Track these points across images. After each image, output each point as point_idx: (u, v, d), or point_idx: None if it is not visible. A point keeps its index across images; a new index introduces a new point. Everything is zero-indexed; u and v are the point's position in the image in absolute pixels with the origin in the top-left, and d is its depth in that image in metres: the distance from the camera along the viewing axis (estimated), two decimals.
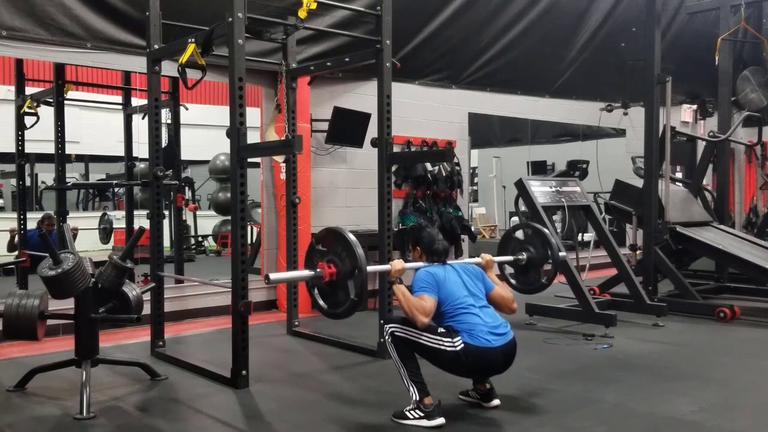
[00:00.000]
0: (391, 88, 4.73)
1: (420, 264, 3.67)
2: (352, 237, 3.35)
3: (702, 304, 6.31)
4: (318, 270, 3.42)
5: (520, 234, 4.82)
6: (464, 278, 3.60)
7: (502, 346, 3.45)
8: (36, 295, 3.72)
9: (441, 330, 3.42)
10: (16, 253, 6.79)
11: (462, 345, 3.36)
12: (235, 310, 3.98)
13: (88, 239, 9.27)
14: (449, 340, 3.38)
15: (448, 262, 3.67)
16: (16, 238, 6.86)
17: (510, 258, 4.50)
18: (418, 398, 3.34)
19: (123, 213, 8.36)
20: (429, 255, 3.68)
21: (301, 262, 5.99)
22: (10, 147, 6.93)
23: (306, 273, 3.49)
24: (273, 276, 3.46)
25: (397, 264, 3.57)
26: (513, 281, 4.68)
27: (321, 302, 3.52)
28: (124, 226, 8.17)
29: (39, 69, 7.70)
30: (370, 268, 3.35)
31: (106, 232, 9.04)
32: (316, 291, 3.54)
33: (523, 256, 4.47)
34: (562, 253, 4.52)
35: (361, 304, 3.40)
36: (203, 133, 10.79)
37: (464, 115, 8.23)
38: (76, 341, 3.90)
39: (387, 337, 3.45)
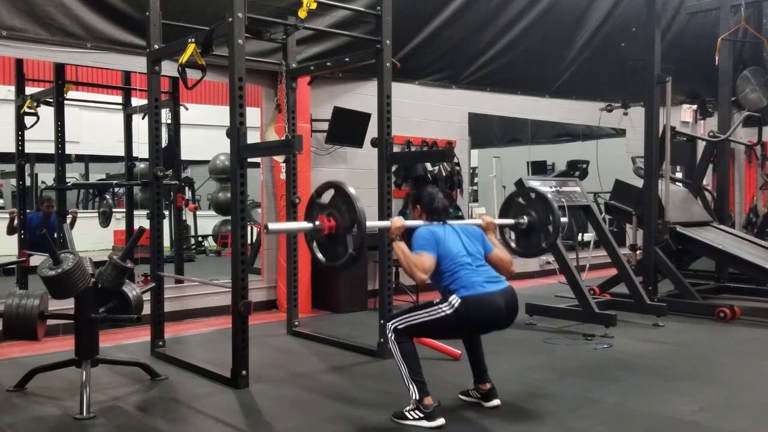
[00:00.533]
0: (391, 88, 4.73)
1: (420, 222, 3.65)
2: (352, 191, 3.32)
3: (702, 304, 6.31)
4: (317, 223, 3.40)
5: (522, 198, 4.71)
6: (463, 238, 3.59)
7: (500, 291, 3.45)
8: (36, 295, 3.72)
9: (435, 300, 3.44)
10: (17, 253, 6.78)
11: (459, 300, 3.37)
12: (235, 310, 3.98)
13: (88, 239, 9.27)
14: (446, 303, 3.39)
15: (448, 222, 3.65)
16: (16, 221, 6.85)
17: (511, 221, 4.42)
18: (418, 398, 3.34)
19: (123, 213, 8.35)
20: (429, 213, 3.66)
21: (301, 262, 6.03)
22: (10, 147, 6.92)
23: (305, 225, 3.45)
24: (272, 226, 3.43)
25: (397, 221, 3.56)
26: (513, 245, 4.63)
27: (319, 255, 3.49)
28: (124, 226, 8.17)
29: (39, 69, 7.69)
30: (369, 224, 3.32)
31: (105, 215, 9.01)
32: (314, 244, 3.51)
33: (524, 219, 4.41)
34: (563, 219, 4.46)
35: (360, 258, 3.34)
36: (203, 133, 10.77)
37: (464, 115, 8.24)
38: (76, 341, 3.90)
39: (390, 335, 3.44)
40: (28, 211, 6.94)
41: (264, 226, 3.37)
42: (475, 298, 3.38)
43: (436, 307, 3.42)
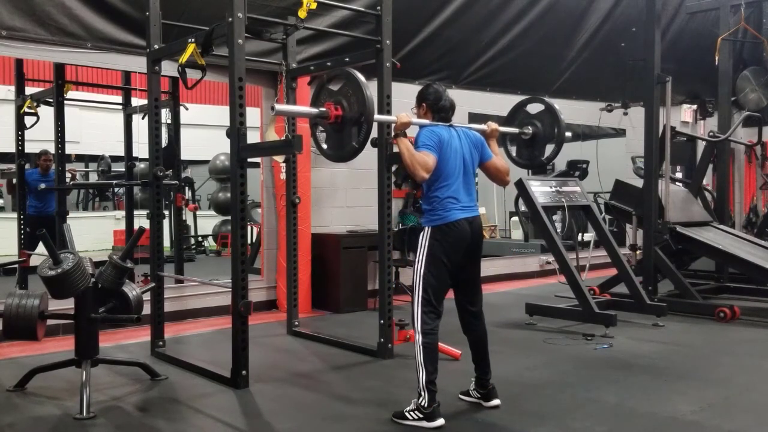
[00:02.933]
0: (391, 88, 4.72)
1: (425, 121, 3.60)
2: (362, 79, 3.27)
3: (702, 304, 6.31)
4: (323, 109, 3.36)
5: (530, 108, 4.63)
6: (464, 146, 3.56)
7: (467, 217, 3.48)
8: (36, 295, 3.72)
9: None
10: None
11: (429, 230, 3.44)
12: (235, 310, 3.98)
13: (88, 239, 9.28)
14: (422, 239, 3.44)
15: (454, 125, 3.61)
16: (14, 180, 6.85)
17: (515, 130, 4.36)
18: (426, 404, 3.32)
19: (123, 213, 8.36)
20: (435, 112, 3.60)
21: (301, 262, 6.03)
22: (10, 147, 6.93)
23: (312, 109, 3.42)
24: (279, 107, 3.40)
25: (403, 117, 3.53)
26: (514, 154, 4.58)
27: (323, 144, 3.46)
28: (124, 226, 8.17)
29: (39, 69, 7.70)
30: (375, 117, 3.28)
31: (105, 174, 9.00)
32: (318, 130, 3.48)
33: (529, 130, 4.36)
34: (568, 134, 4.42)
35: (361, 150, 3.32)
36: (203, 133, 10.79)
37: (464, 115, 8.22)
38: (76, 341, 3.90)
39: (417, 337, 3.39)
40: (26, 166, 6.93)
41: (271, 107, 3.32)
42: (442, 225, 3.43)
43: (418, 253, 3.45)
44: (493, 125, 3.85)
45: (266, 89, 6.59)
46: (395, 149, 3.55)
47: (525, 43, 8.24)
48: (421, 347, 3.37)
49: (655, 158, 6.57)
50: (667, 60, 7.36)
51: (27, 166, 7.02)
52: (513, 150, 4.59)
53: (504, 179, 3.74)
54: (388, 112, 4.72)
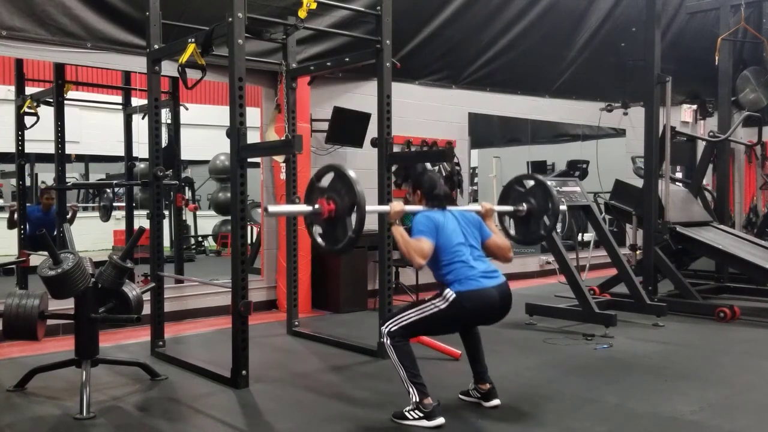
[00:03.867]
0: (391, 88, 4.72)
1: (419, 208, 3.64)
2: (352, 174, 3.32)
3: (702, 304, 6.31)
4: (317, 206, 3.40)
5: (521, 186, 4.67)
6: (462, 226, 3.58)
7: (496, 286, 3.46)
8: (36, 295, 3.72)
9: (429, 297, 3.45)
10: (17, 256, 6.78)
11: (454, 295, 3.38)
12: (235, 310, 3.98)
13: (88, 239, 9.27)
14: (440, 298, 3.40)
15: (448, 208, 3.64)
16: (16, 215, 6.86)
17: (510, 208, 4.40)
18: (417, 399, 3.34)
19: (123, 213, 8.36)
20: (429, 199, 3.64)
21: (301, 262, 6.03)
22: (10, 147, 6.93)
23: (305, 208, 3.45)
24: (272, 208, 3.43)
25: (397, 206, 3.55)
26: (512, 231, 4.62)
27: (319, 239, 3.49)
28: (124, 226, 8.17)
29: (39, 69, 7.69)
30: (369, 208, 3.32)
31: (106, 209, 8.99)
32: (314, 228, 3.51)
33: (524, 207, 4.39)
34: (562, 207, 4.45)
35: (358, 241, 3.34)
36: (203, 133, 10.77)
37: (464, 115, 8.24)
38: (76, 341, 3.90)
39: (385, 339, 3.45)
40: (27, 204, 6.94)
41: (264, 208, 3.36)
42: (470, 292, 3.39)
43: (428, 304, 3.43)
44: (487, 205, 3.90)
45: (266, 89, 6.59)
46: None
47: (525, 43, 8.24)
48: (391, 347, 3.42)
49: (655, 158, 6.57)
50: (667, 60, 7.35)
51: (29, 204, 7.02)
52: (510, 227, 4.65)
53: (507, 256, 3.74)
54: (389, 113, 4.73)
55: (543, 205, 4.27)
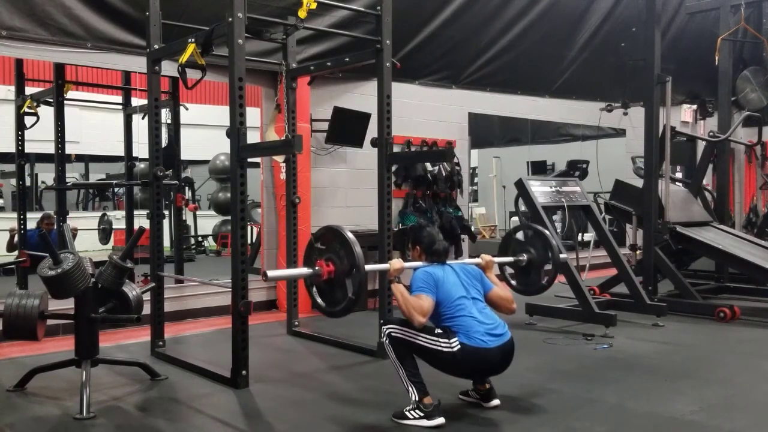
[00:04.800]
0: (391, 88, 4.73)
1: (419, 263, 3.67)
2: (350, 235, 3.35)
3: (702, 304, 6.31)
4: (316, 268, 3.42)
5: (520, 235, 4.81)
6: (463, 279, 3.59)
7: (500, 346, 3.46)
8: (36, 295, 3.72)
9: (438, 331, 3.43)
10: (16, 253, 6.79)
11: (459, 346, 3.37)
12: (235, 310, 3.99)
13: (88, 239, 9.27)
14: (446, 341, 3.39)
15: (448, 262, 3.67)
16: (16, 238, 6.86)
17: (510, 259, 4.48)
18: (417, 398, 3.34)
19: (123, 213, 8.36)
20: (429, 255, 3.67)
21: (301, 262, 6.01)
22: (10, 147, 6.93)
23: (304, 271, 3.48)
24: (271, 273, 3.47)
25: (396, 263, 3.57)
26: (513, 282, 4.67)
27: (319, 300, 3.52)
28: (124, 226, 8.17)
29: (39, 69, 7.69)
30: (368, 267, 3.35)
31: (105, 232, 9.04)
32: (314, 289, 3.54)
33: (524, 257, 4.45)
34: (562, 255, 4.50)
35: (359, 303, 3.39)
36: (203, 133, 10.78)
37: (464, 115, 8.23)
38: (76, 341, 3.90)
39: (384, 339, 3.46)
40: (28, 228, 6.90)
41: (263, 273, 3.41)
42: (474, 350, 3.38)
43: (436, 338, 3.40)
44: (487, 257, 3.92)
45: (266, 89, 6.59)
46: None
47: (525, 43, 8.24)
48: (390, 346, 3.42)
49: (655, 158, 6.57)
50: (667, 60, 7.36)
51: (29, 228, 6.93)
52: (511, 278, 4.67)
53: (510, 307, 3.75)
54: (389, 113, 4.73)
55: (543, 254, 4.32)
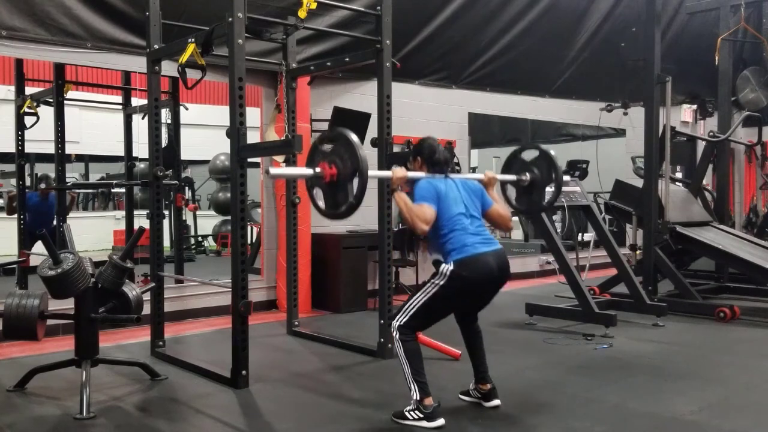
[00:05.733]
0: (391, 88, 4.73)
1: (421, 174, 3.62)
2: (355, 139, 3.30)
3: (702, 304, 6.31)
4: (318, 170, 3.38)
5: (526, 155, 4.64)
6: (463, 194, 3.57)
7: (492, 252, 3.45)
8: (36, 295, 3.72)
9: (428, 278, 3.46)
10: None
11: (451, 266, 3.37)
12: (235, 310, 3.99)
13: (88, 239, 9.27)
14: (438, 276, 3.39)
15: (450, 176, 3.63)
16: (15, 203, 6.86)
17: (513, 177, 4.37)
18: (418, 398, 3.33)
19: (123, 213, 8.36)
20: (430, 165, 3.62)
21: (301, 262, 6.03)
22: (10, 147, 6.93)
23: (306, 171, 3.44)
24: (273, 170, 3.40)
25: (399, 172, 3.53)
26: (514, 202, 4.59)
27: (320, 203, 3.48)
28: (124, 226, 8.17)
29: (39, 69, 7.69)
30: (371, 173, 3.30)
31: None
32: (315, 191, 3.50)
33: (527, 176, 4.36)
34: (566, 177, 4.42)
35: (359, 206, 3.34)
36: (203, 133, 10.78)
37: (464, 115, 8.24)
38: (76, 341, 3.90)
39: (395, 334, 3.42)
40: (27, 190, 6.95)
41: (265, 170, 3.35)
42: (467, 258, 3.38)
43: (429, 284, 3.43)
44: (490, 174, 3.88)
45: (266, 89, 6.59)
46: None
47: (525, 43, 8.24)
48: (400, 342, 3.41)
49: (655, 158, 6.57)
50: (667, 60, 7.35)
51: (27, 189, 7.02)
52: (512, 197, 4.61)
53: (507, 225, 3.77)
54: (389, 113, 4.73)
55: (546, 176, 4.23)
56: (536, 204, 4.30)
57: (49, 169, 8.30)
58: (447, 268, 3.38)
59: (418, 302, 3.43)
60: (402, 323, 3.43)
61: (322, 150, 3.40)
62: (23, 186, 6.89)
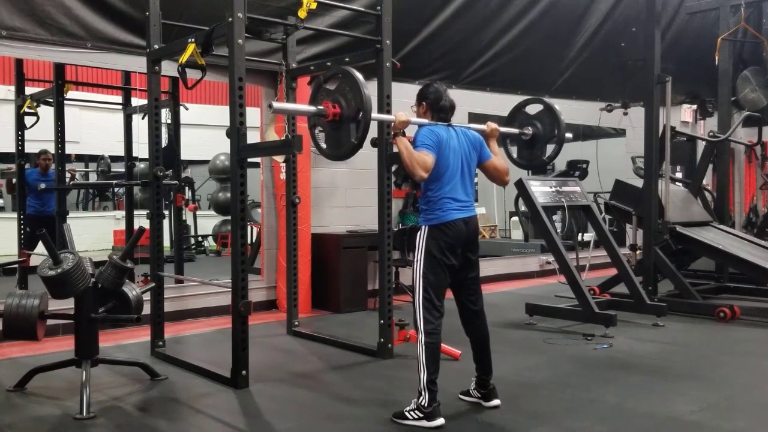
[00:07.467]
0: (391, 88, 4.72)
1: (424, 120, 3.58)
2: (360, 78, 3.26)
3: (702, 304, 6.31)
4: (321, 107, 3.35)
5: (529, 108, 4.60)
6: (463, 146, 3.55)
7: (464, 217, 3.48)
8: (36, 295, 3.72)
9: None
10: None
11: (427, 228, 3.43)
12: (235, 310, 3.98)
13: (88, 239, 9.28)
14: (420, 238, 3.43)
15: (453, 124, 3.60)
16: (14, 180, 6.86)
17: (515, 131, 4.33)
18: (425, 404, 3.32)
19: (123, 213, 8.36)
20: (435, 112, 3.58)
21: (301, 262, 6.03)
22: (10, 147, 6.93)
23: (310, 108, 3.40)
24: (276, 105, 3.38)
25: (402, 116, 3.51)
26: (515, 155, 4.58)
27: (321, 143, 3.46)
28: (124, 226, 8.17)
29: (39, 69, 7.70)
30: (374, 116, 3.27)
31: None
32: (317, 130, 3.47)
33: (529, 130, 4.33)
34: (568, 134, 4.41)
35: (360, 147, 3.31)
36: (203, 133, 10.79)
37: (464, 115, 8.22)
38: (76, 341, 3.90)
39: (420, 337, 3.38)
40: (26, 166, 6.96)
41: (268, 104, 3.33)
42: (441, 223, 3.43)
43: (416, 252, 3.44)
44: (493, 125, 3.83)
45: (266, 89, 6.59)
46: (395, 149, 3.54)
47: (525, 43, 8.24)
48: (423, 347, 3.37)
49: (655, 158, 6.57)
50: (667, 60, 7.35)
51: (27, 165, 7.03)
52: (513, 151, 4.57)
53: (503, 179, 3.74)
54: (388, 112, 4.72)
55: (549, 131, 4.20)
56: (537, 158, 4.28)
57: None
58: (423, 230, 3.44)
59: (419, 273, 3.42)
60: (422, 314, 3.38)
61: (326, 88, 3.37)
62: (23, 186, 6.89)
